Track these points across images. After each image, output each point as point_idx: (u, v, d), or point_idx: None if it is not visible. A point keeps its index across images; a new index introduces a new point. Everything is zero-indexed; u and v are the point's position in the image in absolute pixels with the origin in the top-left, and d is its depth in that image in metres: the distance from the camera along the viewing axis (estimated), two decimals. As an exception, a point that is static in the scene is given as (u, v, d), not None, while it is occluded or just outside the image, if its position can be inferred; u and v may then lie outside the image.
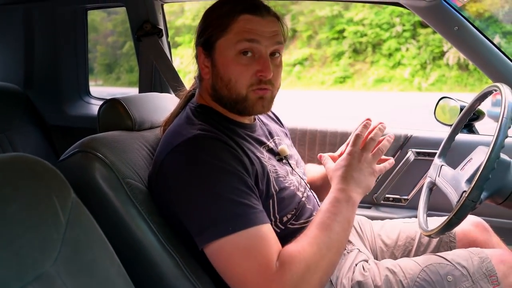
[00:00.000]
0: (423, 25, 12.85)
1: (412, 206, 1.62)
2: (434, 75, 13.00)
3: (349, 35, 14.39)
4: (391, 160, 1.06)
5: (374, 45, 14.35)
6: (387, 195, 1.69)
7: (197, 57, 1.02)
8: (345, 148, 1.07)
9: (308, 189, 1.13)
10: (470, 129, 1.61)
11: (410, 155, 1.64)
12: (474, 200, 0.92)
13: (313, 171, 1.32)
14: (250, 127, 1.06)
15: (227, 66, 0.96)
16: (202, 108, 1.03)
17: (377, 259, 1.20)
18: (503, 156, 1.00)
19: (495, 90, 1.04)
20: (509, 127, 0.95)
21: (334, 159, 1.07)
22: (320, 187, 1.23)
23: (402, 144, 1.67)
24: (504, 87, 0.99)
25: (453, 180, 1.10)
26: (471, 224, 1.23)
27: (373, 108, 9.88)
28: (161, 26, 1.82)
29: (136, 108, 1.12)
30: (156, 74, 1.79)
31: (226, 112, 1.03)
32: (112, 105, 1.12)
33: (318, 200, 1.15)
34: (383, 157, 1.03)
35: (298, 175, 1.12)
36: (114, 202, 0.90)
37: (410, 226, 1.28)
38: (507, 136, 0.94)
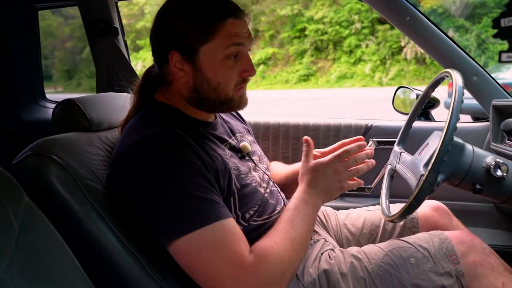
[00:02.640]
0: (381, 22, 13.23)
1: (376, 194, 1.65)
2: (393, 70, 13.41)
3: (310, 34, 14.62)
4: (359, 181, 1.08)
5: (335, 42, 14.64)
6: (351, 185, 1.72)
7: (163, 59, 0.98)
8: (327, 151, 1.09)
9: (271, 184, 1.13)
10: (427, 117, 1.67)
11: (371, 144, 1.68)
12: (431, 182, 0.94)
13: (278, 169, 1.33)
14: (211, 125, 1.05)
15: (215, 71, 0.95)
16: (161, 106, 1.01)
17: (343, 248, 1.22)
18: (456, 139, 1.03)
19: (447, 76, 1.08)
20: (460, 110, 0.98)
21: (314, 157, 1.07)
22: (284, 185, 1.24)
23: (363, 134, 1.71)
24: (454, 72, 1.03)
25: (412, 165, 1.13)
26: (432, 208, 1.27)
27: (337, 103, 10.08)
28: (117, 25, 1.78)
29: (92, 108, 1.09)
30: (114, 74, 1.75)
31: (188, 110, 1.01)
32: (67, 106, 1.07)
33: (282, 195, 1.16)
34: None
35: (261, 170, 1.12)
36: (72, 205, 0.86)
37: (375, 213, 1.30)
38: (459, 119, 0.97)
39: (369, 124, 1.71)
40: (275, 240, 0.86)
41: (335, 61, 14.33)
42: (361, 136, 1.07)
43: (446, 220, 1.25)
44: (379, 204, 1.23)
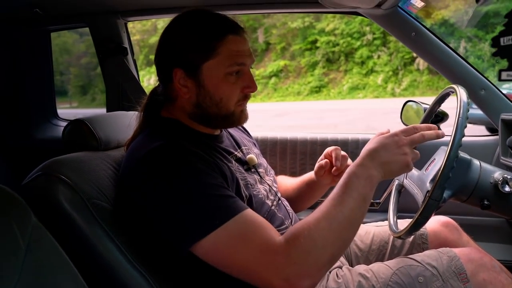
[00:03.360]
0: (393, 33, 13.22)
1: (385, 209, 1.63)
2: (406, 80, 13.32)
3: (322, 45, 14.65)
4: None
5: (347, 54, 14.63)
6: (359, 200, 1.71)
7: (167, 76, 1.01)
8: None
9: (278, 197, 1.13)
10: (436, 131, 1.65)
11: None
12: (437, 199, 0.94)
13: (286, 182, 1.33)
14: (217, 138, 1.07)
15: (217, 87, 0.97)
16: (166, 122, 1.03)
17: (351, 265, 1.21)
18: (463, 154, 1.02)
19: (452, 92, 1.07)
20: (465, 127, 0.97)
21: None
22: (294, 198, 1.24)
23: None
24: (459, 88, 1.02)
25: (419, 181, 1.12)
26: (441, 224, 1.26)
27: (349, 114, 10.04)
28: (126, 45, 1.82)
29: (101, 127, 1.11)
30: (123, 93, 1.78)
31: (192, 125, 1.03)
32: (76, 126, 1.10)
33: (289, 209, 1.16)
34: None
35: (267, 183, 1.12)
36: (80, 224, 0.88)
37: (383, 229, 1.29)
38: (463, 135, 0.96)
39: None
40: (309, 221, 0.82)
41: (347, 73, 14.31)
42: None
43: (456, 235, 1.23)
44: (387, 220, 1.22)
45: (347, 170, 0.88)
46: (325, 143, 1.74)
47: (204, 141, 1.01)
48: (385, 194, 1.67)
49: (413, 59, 13.29)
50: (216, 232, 0.81)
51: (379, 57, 13.86)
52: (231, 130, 1.19)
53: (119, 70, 1.75)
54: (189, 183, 0.85)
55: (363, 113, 10.12)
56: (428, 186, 1.03)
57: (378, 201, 1.70)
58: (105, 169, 1.04)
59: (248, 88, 0.99)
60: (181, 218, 0.83)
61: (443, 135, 0.92)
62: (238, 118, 1.02)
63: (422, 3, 1.29)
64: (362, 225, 1.34)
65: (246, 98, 1.01)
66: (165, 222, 0.85)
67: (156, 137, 0.95)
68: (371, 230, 1.30)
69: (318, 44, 14.42)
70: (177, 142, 0.92)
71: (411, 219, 1.13)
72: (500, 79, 0.66)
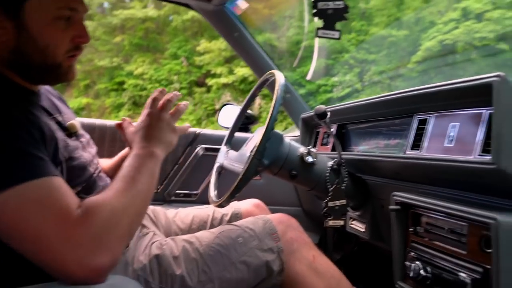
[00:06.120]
0: (199, 85, 14.10)
1: (202, 200, 1.69)
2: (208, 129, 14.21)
3: (129, 88, 14.49)
4: (187, 125, 1.10)
5: (154, 99, 14.77)
6: (177, 191, 1.72)
7: None
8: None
9: (100, 169, 1.06)
10: (246, 131, 1.85)
11: (199, 150, 1.74)
12: (259, 158, 1.04)
13: (104, 162, 1.26)
14: (35, 94, 0.94)
15: (43, 31, 0.85)
16: None
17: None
18: (276, 130, 1.17)
19: (271, 77, 1.23)
20: (281, 104, 1.12)
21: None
22: (112, 176, 1.17)
23: (191, 140, 1.76)
24: (277, 72, 1.19)
25: (239, 156, 1.22)
26: (253, 205, 1.40)
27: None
28: None
29: None
30: None
31: (10, 75, 0.89)
32: None
33: (109, 182, 1.09)
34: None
35: (89, 153, 1.04)
36: None
37: (203, 211, 1.34)
38: (279, 112, 1.11)
39: (197, 132, 1.77)
40: (108, 194, 0.79)
41: (153, 117, 14.42)
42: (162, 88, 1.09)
43: (265, 213, 1.36)
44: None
45: (132, 154, 0.93)
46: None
47: (22, 95, 0.89)
48: (202, 186, 1.73)
49: (215, 111, 14.36)
50: (9, 192, 0.70)
51: (185, 106, 14.49)
52: (49, 94, 1.07)
53: None
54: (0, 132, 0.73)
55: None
56: (249, 153, 1.13)
57: (195, 192, 1.74)
58: None
59: (79, 38, 0.91)
60: None
61: (178, 94, 1.05)
62: (65, 72, 0.92)
63: (246, 5, 1.48)
64: (182, 209, 1.37)
65: (77, 49, 0.92)
66: None
67: None
68: (191, 212, 1.34)
69: (125, 86, 14.22)
70: None
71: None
72: (317, 36, 0.81)
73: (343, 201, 1.20)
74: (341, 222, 1.20)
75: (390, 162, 1.12)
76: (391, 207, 1.03)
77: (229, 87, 13.26)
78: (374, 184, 1.26)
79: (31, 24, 0.85)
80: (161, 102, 1.01)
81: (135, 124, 1.03)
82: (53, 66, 0.89)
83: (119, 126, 1.07)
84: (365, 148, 1.36)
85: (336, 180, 1.20)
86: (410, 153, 1.06)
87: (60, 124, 0.97)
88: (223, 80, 12.99)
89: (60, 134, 0.91)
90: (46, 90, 1.03)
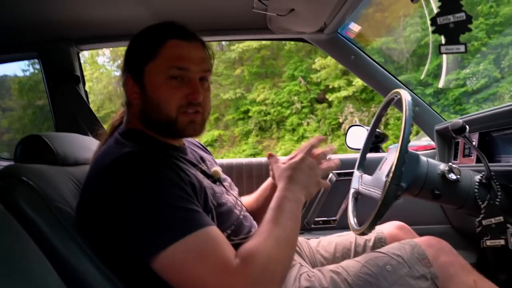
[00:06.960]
0: (319, 101, 14.12)
1: (341, 226, 1.68)
2: (335, 144, 14.04)
3: (254, 115, 15.18)
4: (328, 183, 1.11)
5: (278, 122, 15.25)
6: (316, 219, 1.74)
7: (124, 84, 1.02)
8: (294, 155, 1.08)
9: (244, 209, 1.14)
10: (377, 151, 1.79)
11: (331, 177, 1.74)
12: (396, 183, 1.01)
13: (246, 198, 1.34)
14: (181, 149, 1.07)
15: (156, 90, 0.96)
16: (131, 132, 1.02)
17: (319, 272, 1.21)
18: (411, 151, 1.12)
19: (396, 97, 1.20)
20: (412, 124, 1.08)
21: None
22: (256, 209, 1.25)
23: None
24: (402, 91, 1.15)
25: (374, 180, 1.20)
26: (396, 228, 1.33)
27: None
28: (78, 73, 1.80)
29: (57, 142, 1.07)
30: (74, 122, 1.73)
31: (156, 135, 1.03)
32: (30, 141, 1.04)
33: (253, 222, 1.16)
34: None
35: (233, 195, 1.13)
36: (43, 227, 0.82)
37: (345, 238, 1.33)
38: (411, 133, 1.06)
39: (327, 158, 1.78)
40: (260, 241, 0.84)
41: (280, 139, 14.82)
42: (322, 136, 1.13)
43: (410, 236, 1.29)
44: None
45: (277, 195, 0.96)
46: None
47: (168, 151, 1.01)
48: (340, 211, 1.73)
49: (339, 125, 14.17)
50: (175, 246, 0.79)
51: (308, 124, 14.61)
52: (192, 146, 1.20)
53: (71, 99, 1.71)
54: (155, 193, 0.84)
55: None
56: (385, 180, 1.10)
57: (334, 218, 1.75)
58: (66, 182, 0.99)
59: (190, 95, 0.96)
60: (143, 228, 0.82)
61: (334, 148, 1.12)
62: (183, 127, 0.98)
63: (359, 27, 1.47)
64: (323, 237, 1.38)
65: (190, 106, 0.97)
66: (128, 231, 0.83)
67: (124, 145, 0.94)
68: (333, 240, 1.33)
69: (250, 114, 14.95)
70: (147, 149, 0.92)
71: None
72: (440, 53, 0.77)
73: (500, 218, 1.08)
74: (501, 242, 1.08)
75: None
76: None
77: (350, 98, 12.99)
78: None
79: (149, 85, 0.98)
80: (317, 152, 1.06)
81: (282, 159, 1.09)
82: (169, 121, 0.97)
83: (270, 156, 1.13)
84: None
85: (488, 195, 1.09)
86: None
87: (205, 173, 1.08)
88: (343, 93, 12.78)
89: (207, 183, 1.01)
90: (189, 142, 1.16)
